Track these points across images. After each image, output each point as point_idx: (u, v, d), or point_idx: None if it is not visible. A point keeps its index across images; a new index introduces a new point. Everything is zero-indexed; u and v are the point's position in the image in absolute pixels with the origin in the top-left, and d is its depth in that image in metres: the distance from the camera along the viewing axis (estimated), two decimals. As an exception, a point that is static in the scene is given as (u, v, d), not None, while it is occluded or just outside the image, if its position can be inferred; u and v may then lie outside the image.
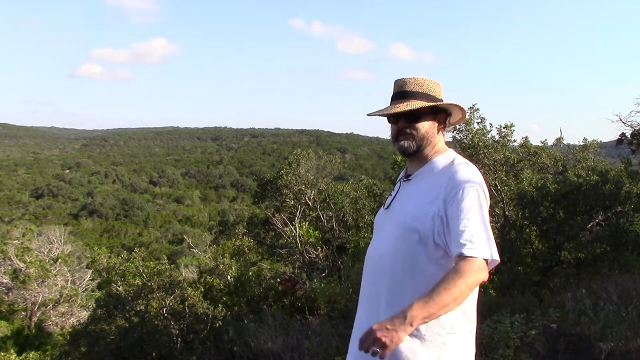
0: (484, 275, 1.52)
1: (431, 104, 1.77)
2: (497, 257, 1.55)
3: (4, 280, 15.08)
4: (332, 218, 12.04)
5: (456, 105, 1.82)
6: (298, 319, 7.45)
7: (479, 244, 1.52)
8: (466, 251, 1.50)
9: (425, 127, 1.77)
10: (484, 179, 1.70)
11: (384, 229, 1.78)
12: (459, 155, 1.80)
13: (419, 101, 1.74)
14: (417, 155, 1.80)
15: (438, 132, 1.81)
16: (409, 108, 1.72)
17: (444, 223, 1.59)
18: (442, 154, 1.78)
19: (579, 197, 8.16)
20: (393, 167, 12.09)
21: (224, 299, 9.51)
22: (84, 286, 16.72)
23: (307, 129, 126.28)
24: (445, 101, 1.81)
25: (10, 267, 15.21)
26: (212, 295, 9.53)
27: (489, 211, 1.68)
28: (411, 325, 1.44)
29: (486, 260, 1.53)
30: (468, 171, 1.67)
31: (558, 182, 8.44)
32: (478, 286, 1.59)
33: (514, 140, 9.65)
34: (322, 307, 8.92)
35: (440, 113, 1.81)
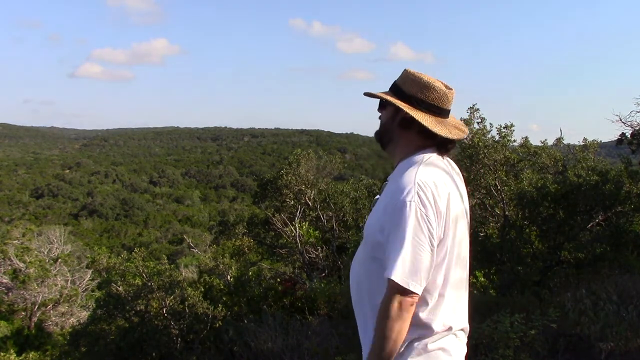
0: (407, 299, 1.49)
1: (380, 96, 1.72)
2: (413, 288, 1.49)
3: (4, 280, 15.08)
4: (332, 218, 12.04)
5: (381, 98, 1.71)
6: (298, 319, 7.45)
7: (398, 267, 1.48)
8: (387, 274, 1.49)
9: (385, 117, 1.74)
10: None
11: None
12: (420, 159, 1.65)
13: (383, 93, 1.73)
14: (386, 150, 1.78)
15: (405, 132, 1.69)
16: (366, 93, 1.75)
17: (382, 236, 1.57)
18: (409, 158, 1.67)
19: (579, 197, 8.16)
20: (393, 167, 12.05)
21: (224, 299, 9.51)
22: (84, 286, 16.71)
23: (307, 129, 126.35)
24: (387, 95, 1.70)
25: (10, 267, 15.21)
26: (212, 295, 9.52)
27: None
28: None
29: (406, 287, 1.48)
30: (404, 181, 1.57)
31: (558, 182, 8.44)
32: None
33: (514, 140, 9.65)
34: (322, 307, 8.92)
35: (401, 111, 1.67)
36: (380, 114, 1.77)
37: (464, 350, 1.70)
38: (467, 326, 1.71)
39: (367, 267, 1.65)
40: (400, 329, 1.51)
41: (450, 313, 1.63)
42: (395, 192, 1.57)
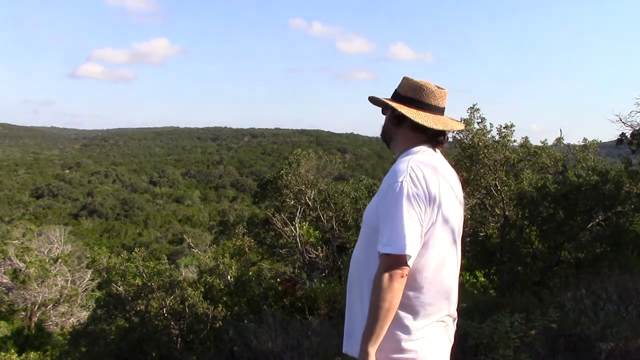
0: (398, 271, 1.59)
1: (376, 98, 1.95)
2: (401, 250, 1.58)
3: (4, 280, 15.06)
4: (332, 218, 12.03)
5: (378, 100, 1.93)
6: (298, 319, 7.45)
7: (386, 241, 1.61)
8: (380, 248, 1.61)
9: (385, 119, 1.95)
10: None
11: None
12: (417, 150, 1.82)
13: (385, 98, 1.94)
14: (390, 149, 1.97)
15: (400, 129, 1.87)
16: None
17: (377, 218, 1.71)
18: (406, 151, 1.84)
19: (579, 197, 8.16)
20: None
21: (224, 299, 9.50)
22: (84, 286, 16.69)
23: (307, 129, 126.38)
24: (383, 98, 1.92)
25: (10, 267, 15.19)
26: (212, 295, 9.51)
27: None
28: (367, 353, 1.60)
29: (397, 255, 1.59)
30: (397, 166, 1.73)
31: (558, 182, 8.44)
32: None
33: (514, 140, 9.62)
34: (322, 307, 8.92)
35: (395, 110, 1.87)
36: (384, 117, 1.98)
37: (452, 336, 1.81)
38: (455, 313, 1.80)
39: (366, 249, 1.76)
40: (392, 300, 1.59)
41: (439, 296, 1.71)
42: (389, 176, 1.72)
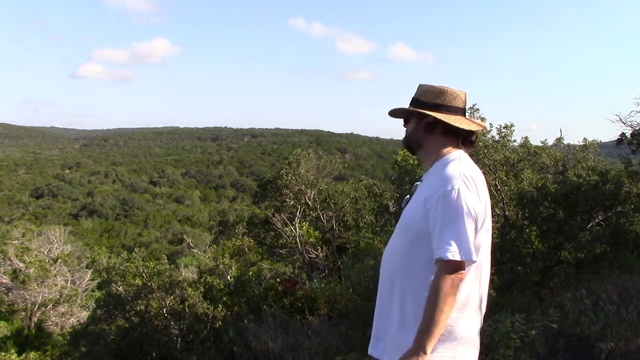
0: (458, 275, 1.66)
1: (404, 108, 1.96)
2: (468, 257, 1.65)
3: (4, 280, 15.05)
4: (332, 218, 12.03)
5: (404, 110, 1.96)
6: (298, 319, 7.46)
7: (450, 247, 1.65)
8: (441, 254, 1.65)
9: (411, 127, 1.96)
10: (485, 178, 1.76)
11: (396, 228, 1.93)
12: (457, 155, 1.85)
13: (404, 106, 1.97)
14: (417, 155, 2.01)
15: (431, 135, 1.90)
16: (389, 111, 2.01)
17: (429, 225, 1.74)
18: (444, 157, 1.86)
19: (579, 197, 8.15)
20: (393, 167, 12.07)
21: (224, 299, 9.50)
22: (84, 286, 16.69)
23: (307, 129, 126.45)
24: (409, 106, 1.95)
25: (10, 267, 15.18)
26: (212, 295, 9.51)
27: (490, 212, 1.73)
28: (424, 352, 1.65)
29: (460, 261, 1.65)
30: (449, 172, 1.76)
31: (558, 182, 8.43)
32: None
33: (514, 140, 9.64)
34: (322, 307, 8.91)
35: (425, 117, 1.90)
36: (405, 128, 2.00)
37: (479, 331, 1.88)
38: (484, 310, 1.88)
39: (407, 254, 1.79)
40: (452, 303, 1.67)
41: (476, 297, 1.79)
42: (441, 183, 1.75)
